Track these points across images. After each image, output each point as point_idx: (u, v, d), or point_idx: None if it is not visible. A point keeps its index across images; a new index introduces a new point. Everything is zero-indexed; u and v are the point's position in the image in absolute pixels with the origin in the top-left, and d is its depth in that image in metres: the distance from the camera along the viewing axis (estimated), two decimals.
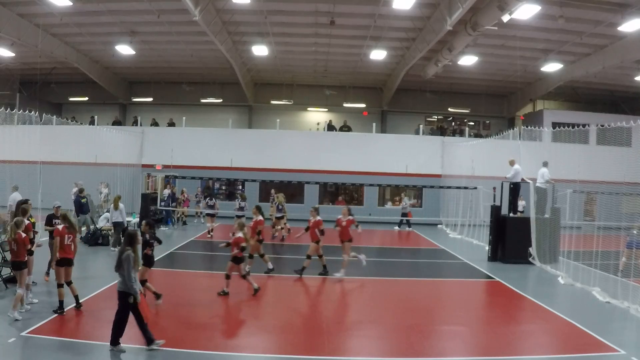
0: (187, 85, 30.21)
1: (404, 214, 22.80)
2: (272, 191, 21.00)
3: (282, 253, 16.00)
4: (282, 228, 18.12)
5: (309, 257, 12.07)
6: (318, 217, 12.15)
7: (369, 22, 20.34)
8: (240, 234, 10.11)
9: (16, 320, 7.80)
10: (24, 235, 8.35)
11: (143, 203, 16.30)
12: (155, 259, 9.49)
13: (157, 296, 9.11)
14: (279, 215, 18.21)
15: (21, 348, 6.88)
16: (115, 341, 6.79)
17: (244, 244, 9.98)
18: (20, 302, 8.24)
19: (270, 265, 12.15)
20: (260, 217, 12.26)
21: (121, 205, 14.77)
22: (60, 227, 8.68)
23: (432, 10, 18.93)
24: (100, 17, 20.52)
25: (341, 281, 11.78)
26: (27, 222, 8.76)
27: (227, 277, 10.00)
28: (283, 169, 24.54)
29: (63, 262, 8.47)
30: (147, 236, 9.22)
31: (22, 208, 9.39)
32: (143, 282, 8.95)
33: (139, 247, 7.30)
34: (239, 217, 15.63)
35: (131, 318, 6.84)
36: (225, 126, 27.05)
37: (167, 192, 20.85)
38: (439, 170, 25.25)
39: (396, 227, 22.80)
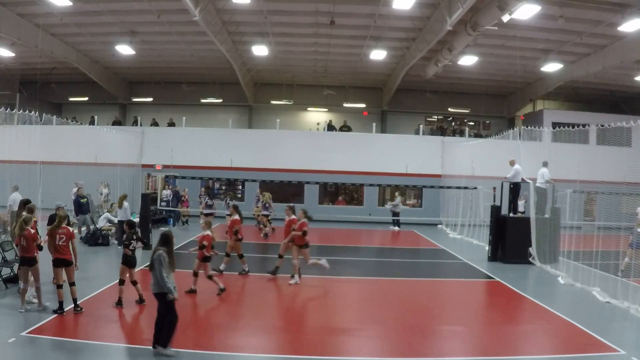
0: (187, 85, 30.21)
1: (396, 213, 22.84)
2: (258, 190, 21.18)
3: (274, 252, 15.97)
4: (271, 226, 18.44)
5: (280, 256, 12.05)
6: (293, 216, 11.98)
7: (369, 22, 20.34)
8: (208, 232, 10.13)
9: (45, 308, 8.38)
10: (32, 231, 8.49)
11: (143, 203, 16.29)
12: (136, 260, 9.42)
13: (141, 300, 9.11)
14: (266, 213, 18.43)
15: (21, 348, 6.86)
16: (164, 344, 6.75)
17: (204, 243, 9.98)
18: (23, 299, 8.43)
19: (246, 267, 12.04)
20: (237, 217, 12.19)
21: (126, 203, 14.99)
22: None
23: (432, 10, 18.93)
24: (100, 17, 20.52)
25: (341, 281, 11.77)
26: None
27: (210, 277, 10.04)
28: (283, 169, 24.54)
29: (59, 263, 8.47)
30: (124, 237, 9.26)
31: (28, 207, 9.42)
32: (122, 282, 9.05)
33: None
34: (228, 215, 15.70)
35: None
36: (225, 126, 27.05)
37: (166, 192, 20.82)
38: (439, 170, 25.24)
39: (396, 228, 22.79)
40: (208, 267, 10.13)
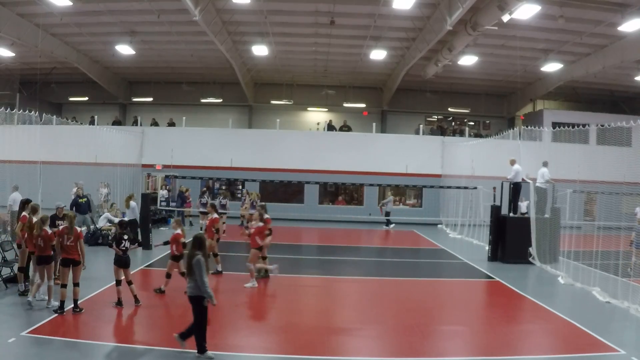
0: (187, 85, 30.20)
1: (387, 213, 22.88)
2: (245, 190, 21.28)
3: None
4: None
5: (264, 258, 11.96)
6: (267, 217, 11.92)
7: (369, 22, 20.34)
8: (178, 231, 10.11)
9: (53, 306, 8.44)
10: (49, 231, 8.67)
11: (143, 203, 16.30)
12: (129, 259, 9.38)
13: (136, 301, 9.11)
14: (253, 212, 18.60)
15: (21, 348, 6.87)
16: (202, 349, 6.69)
17: (183, 240, 9.95)
18: (35, 291, 8.63)
19: (219, 268, 11.95)
20: (216, 215, 12.18)
21: (133, 203, 15.08)
22: (60, 227, 8.79)
23: (432, 10, 18.93)
24: (100, 17, 20.52)
25: (341, 281, 11.75)
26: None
27: (168, 275, 9.98)
28: (283, 169, 24.53)
29: (66, 263, 8.52)
30: (111, 236, 9.27)
31: (32, 207, 9.43)
32: (118, 282, 9.04)
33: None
34: (222, 214, 15.77)
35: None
36: (225, 126, 27.04)
37: (162, 192, 20.81)
38: (439, 170, 25.23)
39: (392, 225, 22.82)
40: (173, 266, 10.06)
